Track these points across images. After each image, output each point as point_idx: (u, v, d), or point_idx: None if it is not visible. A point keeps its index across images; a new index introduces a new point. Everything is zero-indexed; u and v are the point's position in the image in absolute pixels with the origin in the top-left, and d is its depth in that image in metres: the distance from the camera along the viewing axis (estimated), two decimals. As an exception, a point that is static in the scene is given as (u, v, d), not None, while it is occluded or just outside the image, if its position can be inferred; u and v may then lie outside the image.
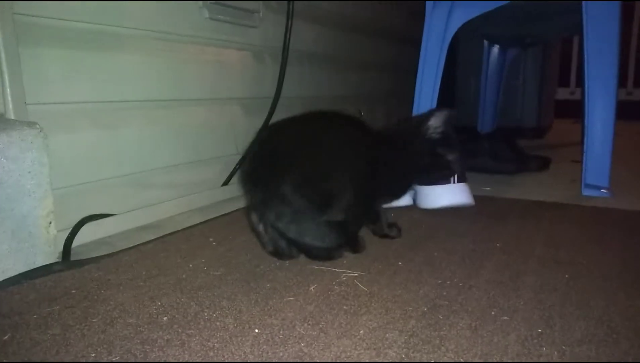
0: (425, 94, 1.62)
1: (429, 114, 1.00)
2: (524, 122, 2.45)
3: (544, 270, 0.85)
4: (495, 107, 2.30)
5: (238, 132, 1.43)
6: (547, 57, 2.49)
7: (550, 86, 2.74)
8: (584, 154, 1.40)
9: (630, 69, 3.88)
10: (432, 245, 0.98)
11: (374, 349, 0.60)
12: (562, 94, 3.82)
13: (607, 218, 1.19)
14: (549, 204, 1.33)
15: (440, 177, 1.14)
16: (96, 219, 1.01)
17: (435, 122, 0.99)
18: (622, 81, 3.78)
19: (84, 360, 0.58)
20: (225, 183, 1.39)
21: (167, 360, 0.58)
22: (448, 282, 0.80)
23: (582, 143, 1.43)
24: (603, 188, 1.38)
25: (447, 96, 2.32)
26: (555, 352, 0.59)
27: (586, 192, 1.39)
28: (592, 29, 1.37)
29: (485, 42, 2.23)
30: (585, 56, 1.38)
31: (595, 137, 1.39)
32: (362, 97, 2.18)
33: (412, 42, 1.73)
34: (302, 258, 0.90)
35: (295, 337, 0.63)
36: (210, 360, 0.58)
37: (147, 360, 0.58)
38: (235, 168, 1.41)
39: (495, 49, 2.25)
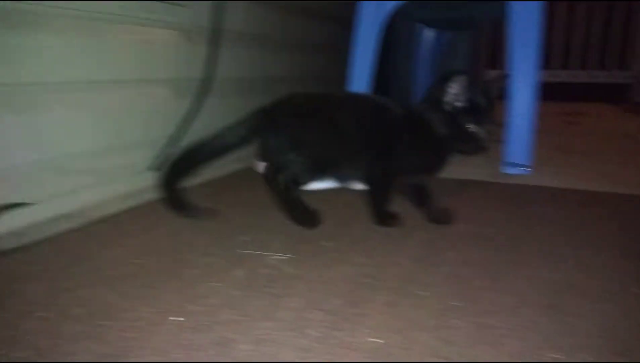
0: (359, 76, 1.63)
1: (446, 80, 0.91)
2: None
3: (464, 246, 0.89)
4: (428, 83, 2.36)
5: (167, 115, 1.39)
6: (478, 40, 2.57)
7: (479, 67, 2.83)
8: (507, 133, 1.46)
9: (554, 52, 4.10)
10: (359, 225, 0.99)
11: (295, 330, 0.61)
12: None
13: (526, 195, 1.25)
14: (471, 183, 1.38)
15: (469, 151, 0.97)
16: (12, 209, 0.95)
17: (455, 90, 0.91)
18: (547, 63, 3.98)
19: (-12, 358, 0.55)
20: (153, 169, 1.34)
21: (77, 354, 0.56)
22: (372, 260, 0.82)
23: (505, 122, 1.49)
24: (524, 166, 1.45)
25: (383, 79, 2.35)
26: (465, 323, 0.63)
27: (507, 170, 1.46)
28: (516, 17, 1.43)
29: (419, 25, 2.26)
30: (510, 41, 1.44)
31: (517, 117, 1.46)
32: (298, 79, 2.16)
33: (349, 23, 1.73)
34: (231, 242, 0.89)
35: (218, 322, 0.63)
36: (126, 351, 0.56)
37: (57, 355, 0.55)
38: (164, 152, 1.36)
39: (428, 31, 2.29)
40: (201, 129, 1.39)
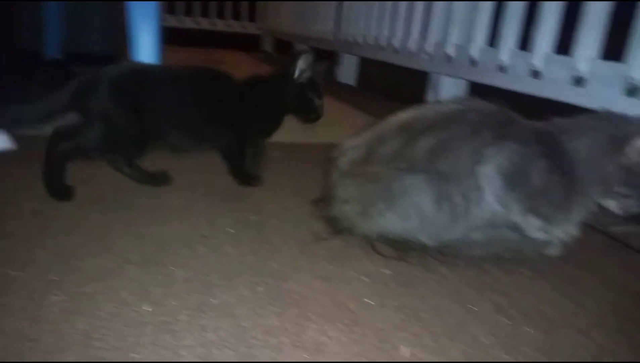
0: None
1: (295, 57, 1.03)
2: (92, 48, 2.33)
3: (76, 212, 0.87)
4: (61, 30, 2.12)
5: None
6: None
7: (120, 12, 2.70)
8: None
9: (196, 2, 4.53)
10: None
11: None
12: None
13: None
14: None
15: (309, 120, 1.08)
16: None
17: (302, 65, 1.03)
18: (173, 10, 4.45)
19: None
20: None
21: None
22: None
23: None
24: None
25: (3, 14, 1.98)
26: (63, 297, 0.62)
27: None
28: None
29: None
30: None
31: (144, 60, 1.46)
32: None
33: None
34: None
35: None
36: None
37: None
38: None
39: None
40: None
